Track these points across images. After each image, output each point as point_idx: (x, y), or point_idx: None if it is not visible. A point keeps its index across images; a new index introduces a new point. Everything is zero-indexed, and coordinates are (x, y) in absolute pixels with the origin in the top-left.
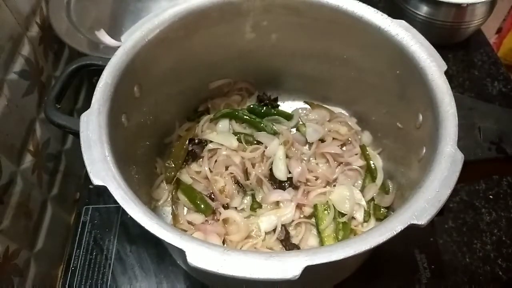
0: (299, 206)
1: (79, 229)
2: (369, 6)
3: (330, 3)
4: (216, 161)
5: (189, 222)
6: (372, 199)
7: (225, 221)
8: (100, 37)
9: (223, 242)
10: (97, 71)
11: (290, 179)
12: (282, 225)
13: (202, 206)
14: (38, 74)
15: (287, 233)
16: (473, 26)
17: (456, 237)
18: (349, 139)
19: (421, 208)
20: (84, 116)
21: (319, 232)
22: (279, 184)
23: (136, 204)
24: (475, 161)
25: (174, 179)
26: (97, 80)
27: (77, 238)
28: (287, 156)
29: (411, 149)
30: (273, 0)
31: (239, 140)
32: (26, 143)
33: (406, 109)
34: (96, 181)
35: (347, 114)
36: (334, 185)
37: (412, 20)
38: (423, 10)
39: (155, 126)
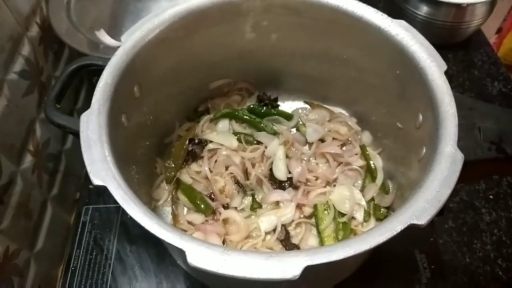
0: (299, 206)
1: (79, 229)
2: (369, 6)
3: (330, 3)
4: (216, 161)
5: (189, 222)
6: (372, 199)
7: (225, 221)
8: (100, 37)
9: (223, 242)
10: (97, 71)
11: (290, 179)
12: (282, 225)
13: (202, 206)
14: (38, 74)
15: (287, 233)
16: (473, 26)
17: (456, 237)
18: (349, 139)
19: (421, 208)
20: (84, 116)
21: (319, 232)
22: (279, 184)
23: (136, 204)
24: (475, 161)
25: (174, 179)
26: (97, 80)
27: (77, 238)
28: (287, 156)
29: (411, 149)
30: (273, 0)
31: (239, 140)
32: (26, 143)
33: (406, 109)
34: (96, 181)
35: (347, 114)
36: (334, 185)
37: (412, 20)
38: (423, 10)
39: (155, 126)
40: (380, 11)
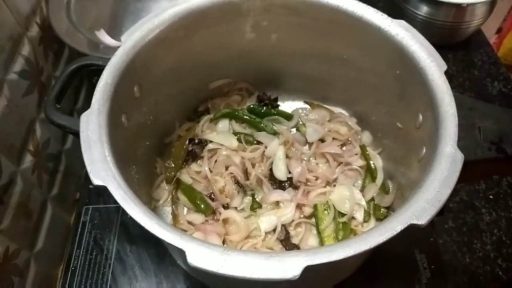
0: (299, 206)
1: (79, 229)
2: (369, 6)
3: (330, 3)
4: (216, 161)
5: (189, 222)
6: (372, 199)
7: (225, 221)
8: (100, 37)
9: (223, 242)
10: (97, 71)
11: (290, 179)
12: (282, 225)
13: (202, 206)
14: (38, 74)
15: (287, 233)
16: (473, 26)
17: (456, 237)
18: (349, 139)
19: (421, 208)
20: (84, 116)
21: (319, 232)
22: (279, 184)
23: (136, 204)
24: (475, 161)
25: (174, 179)
26: (97, 80)
27: (77, 238)
28: (287, 156)
29: (411, 149)
30: (273, 0)
31: (239, 140)
32: (26, 143)
33: (406, 109)
34: (96, 181)
35: (347, 114)
36: (334, 185)
37: (412, 20)
38: (423, 10)
39: (155, 126)
40: (380, 11)
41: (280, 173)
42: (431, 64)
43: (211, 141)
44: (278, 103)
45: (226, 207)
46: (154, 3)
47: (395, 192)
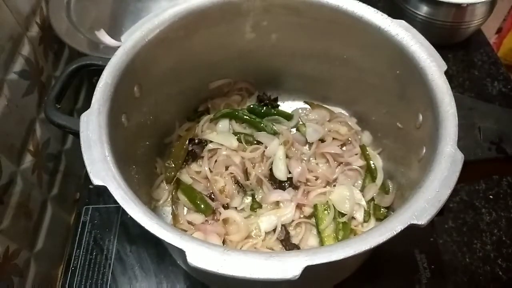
0: (299, 206)
1: (79, 229)
2: (369, 6)
3: (330, 3)
4: (216, 161)
5: (189, 222)
6: (372, 199)
7: (225, 221)
8: (100, 37)
9: (223, 242)
10: (97, 71)
11: (290, 179)
12: (282, 225)
13: (202, 206)
14: (38, 74)
15: (287, 233)
16: (473, 26)
17: (456, 237)
18: (349, 139)
19: (421, 208)
20: (84, 116)
21: (319, 232)
22: (279, 184)
23: (136, 204)
24: (475, 161)
25: (174, 179)
26: (97, 80)
27: (77, 238)
28: (287, 156)
29: (411, 149)
30: (273, 0)
31: (239, 140)
32: (26, 143)
33: (406, 109)
34: (96, 181)
35: (347, 114)
36: (334, 185)
37: (412, 20)
38: (423, 10)
39: (155, 126)
40: (380, 11)
41: (280, 173)
42: (431, 64)
43: (211, 141)
44: (278, 103)
45: (226, 207)
46: (154, 3)
47: (395, 192)
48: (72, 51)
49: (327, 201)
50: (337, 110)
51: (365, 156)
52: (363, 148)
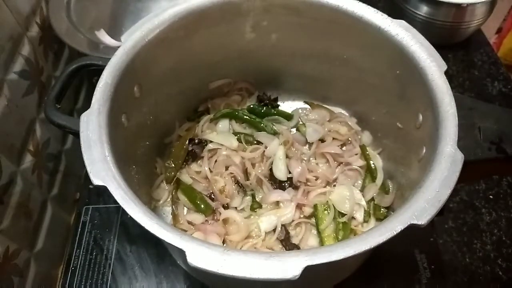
0: (299, 206)
1: (79, 229)
2: (369, 6)
3: (330, 3)
4: (216, 161)
5: (189, 222)
6: (372, 199)
7: (225, 221)
8: (100, 37)
9: (223, 242)
10: (97, 71)
11: (290, 179)
12: (282, 225)
13: (202, 206)
14: (38, 74)
15: (287, 233)
16: (473, 26)
17: (456, 237)
18: (349, 139)
19: (421, 208)
20: (84, 116)
21: (319, 232)
22: (279, 184)
23: (136, 204)
24: (475, 161)
25: (174, 179)
26: (97, 80)
27: (77, 238)
28: (287, 156)
29: (411, 149)
30: (273, 0)
31: (239, 140)
32: (26, 143)
33: (406, 109)
34: (96, 181)
35: (347, 114)
36: (334, 185)
37: (412, 20)
38: (423, 10)
39: (155, 126)
40: (380, 11)
41: (280, 173)
42: (431, 64)
43: (211, 141)
44: (278, 103)
45: (226, 207)
46: (154, 3)
47: (395, 192)
48: (72, 51)
49: (327, 201)
50: (337, 110)
51: (365, 156)
52: (363, 148)
